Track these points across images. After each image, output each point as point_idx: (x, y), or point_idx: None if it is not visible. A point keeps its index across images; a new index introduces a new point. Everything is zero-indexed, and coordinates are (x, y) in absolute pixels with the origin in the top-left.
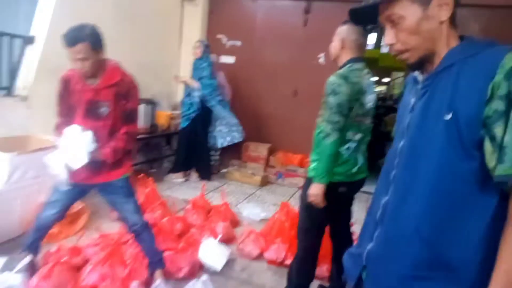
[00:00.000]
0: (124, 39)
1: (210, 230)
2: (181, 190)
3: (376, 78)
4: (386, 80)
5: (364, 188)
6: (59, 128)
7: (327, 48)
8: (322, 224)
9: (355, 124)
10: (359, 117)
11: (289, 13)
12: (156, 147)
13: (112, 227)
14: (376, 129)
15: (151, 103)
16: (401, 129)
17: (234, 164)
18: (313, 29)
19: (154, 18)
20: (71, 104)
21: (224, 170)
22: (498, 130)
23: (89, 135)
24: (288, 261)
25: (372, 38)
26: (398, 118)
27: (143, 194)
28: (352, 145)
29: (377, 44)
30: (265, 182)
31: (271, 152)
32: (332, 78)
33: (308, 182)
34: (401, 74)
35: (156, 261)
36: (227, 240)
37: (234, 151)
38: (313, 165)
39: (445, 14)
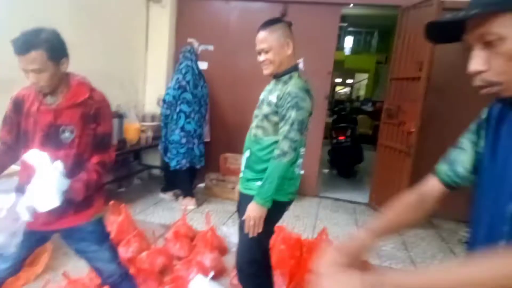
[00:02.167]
0: (83, 44)
1: (197, 264)
2: (157, 213)
3: (340, 80)
4: (350, 81)
5: (342, 196)
6: None
7: (306, 53)
8: (268, 249)
9: (304, 139)
10: (307, 130)
11: (265, 15)
12: (124, 164)
13: (81, 266)
14: (353, 132)
15: (118, 116)
16: (505, 187)
17: (212, 178)
18: None
19: (117, 21)
20: (23, 130)
21: (201, 185)
22: None
23: (60, 166)
24: None
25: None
26: (489, 167)
27: (115, 224)
28: (301, 161)
29: (340, 47)
30: None
31: None
32: (295, 90)
33: (249, 201)
34: (364, 76)
35: None
36: (218, 273)
37: (210, 164)
38: (253, 183)
39: None
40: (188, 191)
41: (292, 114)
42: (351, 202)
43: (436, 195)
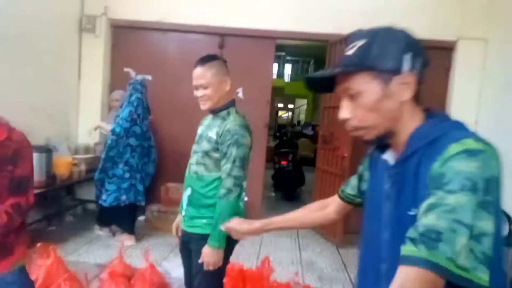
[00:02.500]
0: (10, 76)
1: None
2: (91, 252)
3: (281, 105)
4: (291, 106)
5: None
6: None
7: (245, 83)
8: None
9: (246, 173)
10: (248, 164)
11: (203, 47)
12: (55, 200)
13: None
14: (294, 157)
15: (46, 150)
16: (381, 217)
17: (153, 210)
18: (228, 64)
19: (47, 51)
20: None
21: (141, 218)
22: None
23: None
24: None
25: (274, 68)
26: (371, 199)
27: (43, 268)
28: (244, 193)
29: (280, 74)
30: None
31: None
32: (234, 127)
33: (203, 240)
34: (304, 101)
35: None
36: None
37: (150, 195)
38: (198, 221)
39: (407, 94)
40: (127, 228)
41: (233, 151)
42: None
43: (336, 205)
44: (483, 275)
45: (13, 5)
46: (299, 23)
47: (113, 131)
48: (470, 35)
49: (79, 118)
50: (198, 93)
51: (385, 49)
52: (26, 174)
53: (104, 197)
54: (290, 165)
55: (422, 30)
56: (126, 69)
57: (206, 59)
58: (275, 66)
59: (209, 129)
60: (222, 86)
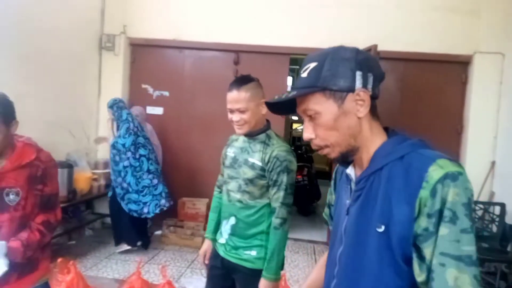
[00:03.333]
0: (31, 94)
1: None
2: (110, 267)
3: (296, 118)
4: None
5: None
6: None
7: None
8: None
9: None
10: None
11: (219, 64)
12: (75, 214)
13: None
14: (309, 171)
15: (67, 166)
16: (339, 232)
17: (169, 225)
18: None
19: (68, 69)
20: None
21: (158, 233)
22: (427, 251)
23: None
24: None
25: (288, 81)
26: (335, 217)
27: (63, 283)
28: None
29: None
30: None
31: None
32: (282, 154)
33: (254, 277)
34: None
35: None
36: None
37: (167, 209)
38: (244, 252)
39: (362, 110)
40: (132, 242)
41: (284, 178)
42: (310, 241)
43: None
44: None
45: (35, 24)
46: (312, 39)
47: (113, 146)
48: (486, 49)
49: (99, 134)
50: (234, 117)
51: (336, 69)
52: (55, 192)
53: (145, 210)
54: (306, 179)
55: (438, 44)
56: (144, 86)
57: (242, 82)
58: (290, 80)
59: (247, 154)
60: (259, 109)
